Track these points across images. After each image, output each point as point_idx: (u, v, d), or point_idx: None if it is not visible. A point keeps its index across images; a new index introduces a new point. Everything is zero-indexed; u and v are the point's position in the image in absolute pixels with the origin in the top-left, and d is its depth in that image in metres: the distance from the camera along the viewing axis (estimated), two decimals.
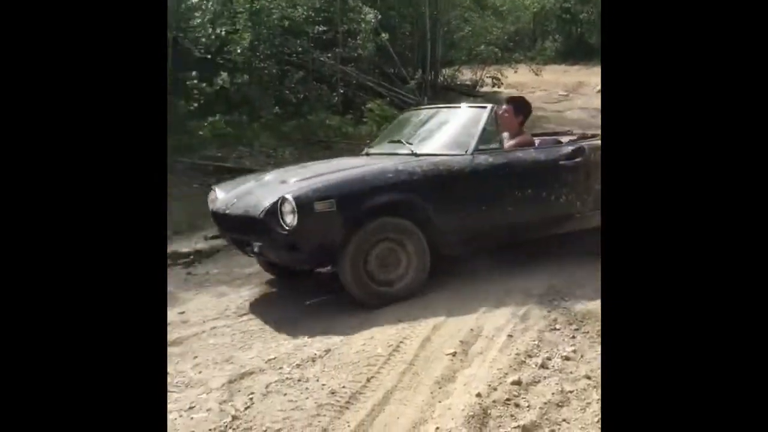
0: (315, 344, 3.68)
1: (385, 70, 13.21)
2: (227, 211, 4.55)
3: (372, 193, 4.23)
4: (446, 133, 5.10)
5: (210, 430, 2.86)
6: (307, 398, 3.02)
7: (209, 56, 10.40)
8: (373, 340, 3.60)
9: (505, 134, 5.17)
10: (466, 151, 4.64)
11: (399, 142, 5.10)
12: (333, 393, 3.04)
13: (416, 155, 4.69)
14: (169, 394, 3.31)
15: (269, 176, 4.87)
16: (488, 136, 4.78)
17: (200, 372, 3.54)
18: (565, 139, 5.56)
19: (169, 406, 3.15)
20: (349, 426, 2.76)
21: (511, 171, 4.75)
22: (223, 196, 4.76)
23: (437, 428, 2.68)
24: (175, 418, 3.01)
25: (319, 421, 2.81)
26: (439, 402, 2.90)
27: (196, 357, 3.77)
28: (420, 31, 13.69)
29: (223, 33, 10.49)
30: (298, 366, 3.41)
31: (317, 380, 3.20)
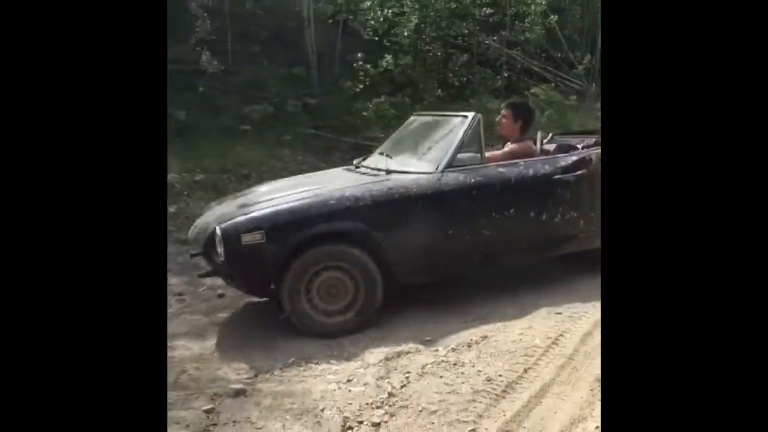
0: (472, 329, 3.68)
1: (552, 54, 12.83)
2: (189, 234, 4.59)
3: (308, 223, 3.95)
4: (423, 146, 4.71)
5: (367, 403, 2.94)
6: (462, 383, 3.02)
7: (377, 38, 10.60)
8: (531, 330, 3.54)
9: (509, 143, 4.78)
10: (436, 168, 4.25)
11: (382, 154, 4.73)
12: (489, 380, 3.02)
13: (388, 172, 4.36)
14: (328, 365, 3.44)
15: (250, 194, 4.73)
16: (467, 149, 4.35)
17: (358, 346, 3.65)
18: (589, 141, 5.00)
19: (329, 377, 3.28)
20: (504, 415, 2.73)
21: (488, 190, 4.28)
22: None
23: (597, 427, 2.58)
24: (335, 389, 3.12)
25: (475, 407, 2.80)
26: (600, 400, 2.80)
27: (354, 333, 3.90)
28: (591, 13, 13.16)
29: (391, 15, 10.65)
30: (453, 350, 3.42)
31: (473, 366, 3.19)
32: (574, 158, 4.57)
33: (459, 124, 4.45)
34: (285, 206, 4.07)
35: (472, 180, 4.27)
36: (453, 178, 4.25)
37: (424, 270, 4.22)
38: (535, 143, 4.87)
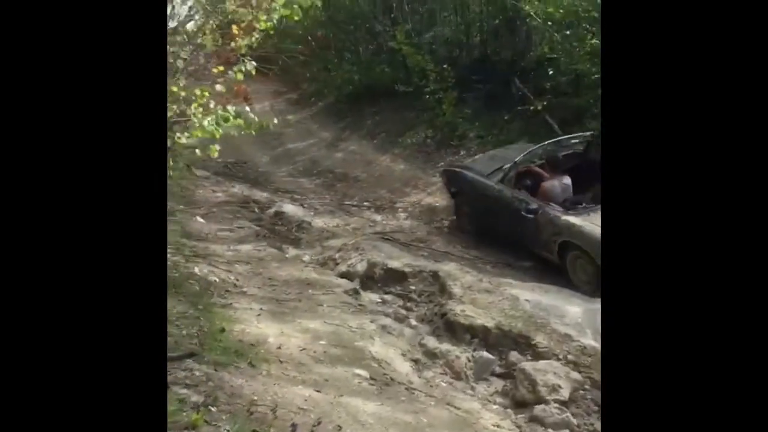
0: None
1: None
2: None
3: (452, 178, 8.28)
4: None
5: None
6: None
7: None
8: None
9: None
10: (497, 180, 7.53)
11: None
12: None
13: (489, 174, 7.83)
14: None
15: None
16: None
17: None
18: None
19: None
20: None
21: (496, 200, 7.42)
22: None
23: None
24: None
25: None
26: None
27: None
28: None
29: None
30: None
31: None
32: (535, 206, 6.82)
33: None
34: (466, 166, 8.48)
35: (497, 191, 7.38)
36: (494, 187, 7.43)
37: (472, 228, 8.08)
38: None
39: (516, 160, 7.29)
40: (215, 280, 5.65)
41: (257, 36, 4.38)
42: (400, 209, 9.19)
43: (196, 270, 5.70)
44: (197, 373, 3.52)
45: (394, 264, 6.79)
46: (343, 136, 12.66)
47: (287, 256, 7.26)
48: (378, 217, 8.94)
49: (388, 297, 6.34)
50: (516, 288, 6.24)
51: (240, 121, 4.02)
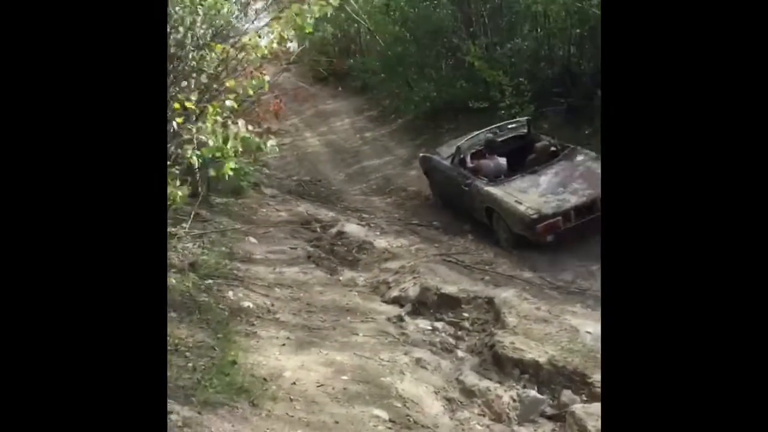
0: None
1: None
2: None
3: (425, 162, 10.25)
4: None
5: None
6: None
7: None
8: None
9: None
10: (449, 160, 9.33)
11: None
12: None
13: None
14: None
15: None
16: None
17: None
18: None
19: None
20: None
21: (451, 175, 9.19)
22: None
23: None
24: None
25: None
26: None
27: None
28: None
29: None
30: None
31: None
32: (470, 180, 8.59)
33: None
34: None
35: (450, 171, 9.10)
36: (448, 166, 9.19)
37: (439, 199, 9.99)
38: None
39: (458, 144, 9.13)
40: (248, 306, 5.40)
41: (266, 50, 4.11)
42: (467, 229, 8.73)
43: (230, 294, 5.46)
44: (173, 417, 3.22)
45: (449, 289, 6.36)
46: (418, 153, 12.33)
47: (341, 278, 6.96)
48: (444, 237, 8.50)
49: (438, 325, 5.91)
50: (579, 318, 5.67)
51: (237, 142, 3.74)
